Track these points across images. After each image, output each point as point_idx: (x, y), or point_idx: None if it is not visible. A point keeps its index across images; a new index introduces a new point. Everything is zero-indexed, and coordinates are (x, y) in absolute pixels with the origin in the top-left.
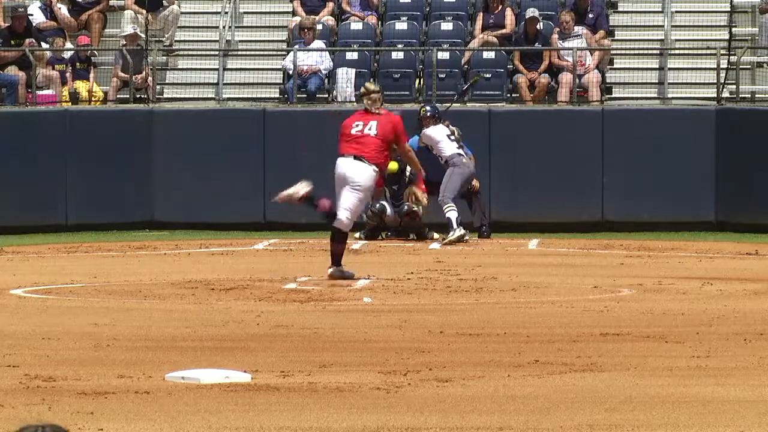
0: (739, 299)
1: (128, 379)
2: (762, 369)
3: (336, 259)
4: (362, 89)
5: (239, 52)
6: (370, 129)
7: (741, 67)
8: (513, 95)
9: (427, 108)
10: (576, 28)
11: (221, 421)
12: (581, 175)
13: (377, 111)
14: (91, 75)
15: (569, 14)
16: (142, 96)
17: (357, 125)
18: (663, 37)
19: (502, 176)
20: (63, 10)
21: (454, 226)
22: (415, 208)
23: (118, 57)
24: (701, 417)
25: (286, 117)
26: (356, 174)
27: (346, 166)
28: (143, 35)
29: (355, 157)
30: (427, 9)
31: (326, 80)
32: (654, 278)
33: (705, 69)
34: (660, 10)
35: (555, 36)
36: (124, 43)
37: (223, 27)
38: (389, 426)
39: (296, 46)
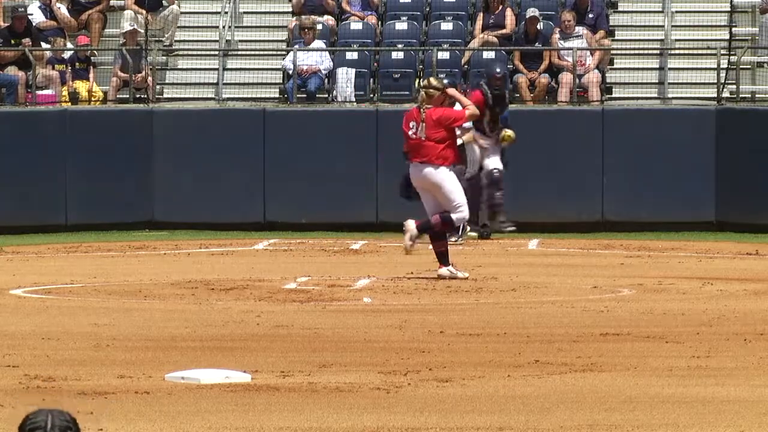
0: (739, 299)
1: (128, 379)
2: (762, 369)
3: (447, 259)
4: (425, 81)
5: (239, 52)
6: (421, 132)
7: (741, 67)
8: (513, 95)
9: (445, 81)
10: (576, 28)
11: (221, 421)
12: (581, 175)
13: (425, 109)
14: (91, 75)
15: (570, 13)
16: (142, 96)
17: (412, 126)
18: (663, 37)
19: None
20: (63, 9)
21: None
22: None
23: (117, 57)
24: (701, 417)
25: (286, 117)
26: (431, 177)
27: (417, 173)
28: (141, 30)
29: (421, 163)
30: (427, 9)
31: (326, 80)
32: (654, 278)
33: (705, 69)
34: (660, 10)
35: (556, 36)
36: (123, 41)
37: (223, 27)
38: (389, 426)
39: (296, 46)
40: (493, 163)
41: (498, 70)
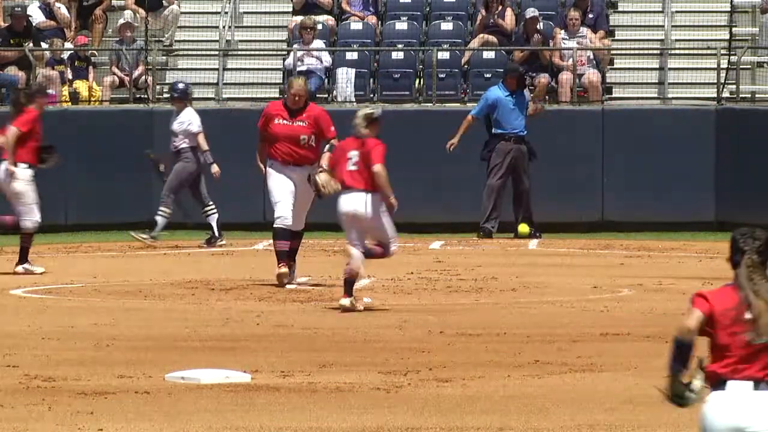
0: None
1: (128, 379)
2: None
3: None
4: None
5: (239, 52)
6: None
7: (741, 67)
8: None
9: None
10: (580, 28)
11: (221, 421)
12: (581, 175)
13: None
14: (91, 74)
15: (577, 11)
16: (142, 96)
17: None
18: (663, 37)
19: None
20: (62, 9)
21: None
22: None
23: (113, 55)
24: None
25: None
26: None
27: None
28: (136, 24)
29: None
30: (427, 9)
31: (326, 80)
32: (654, 278)
33: (705, 69)
34: (660, 10)
35: (559, 35)
36: (119, 38)
37: (223, 27)
38: (389, 426)
39: (296, 46)
40: None
41: None
